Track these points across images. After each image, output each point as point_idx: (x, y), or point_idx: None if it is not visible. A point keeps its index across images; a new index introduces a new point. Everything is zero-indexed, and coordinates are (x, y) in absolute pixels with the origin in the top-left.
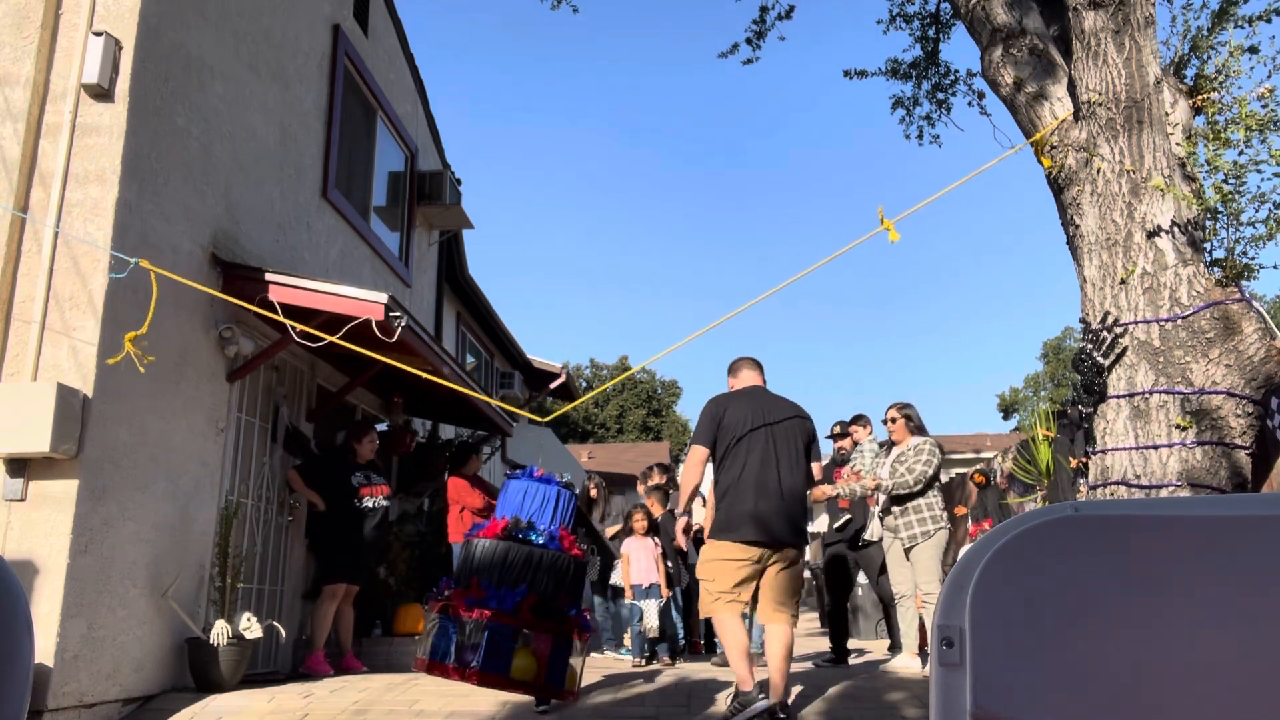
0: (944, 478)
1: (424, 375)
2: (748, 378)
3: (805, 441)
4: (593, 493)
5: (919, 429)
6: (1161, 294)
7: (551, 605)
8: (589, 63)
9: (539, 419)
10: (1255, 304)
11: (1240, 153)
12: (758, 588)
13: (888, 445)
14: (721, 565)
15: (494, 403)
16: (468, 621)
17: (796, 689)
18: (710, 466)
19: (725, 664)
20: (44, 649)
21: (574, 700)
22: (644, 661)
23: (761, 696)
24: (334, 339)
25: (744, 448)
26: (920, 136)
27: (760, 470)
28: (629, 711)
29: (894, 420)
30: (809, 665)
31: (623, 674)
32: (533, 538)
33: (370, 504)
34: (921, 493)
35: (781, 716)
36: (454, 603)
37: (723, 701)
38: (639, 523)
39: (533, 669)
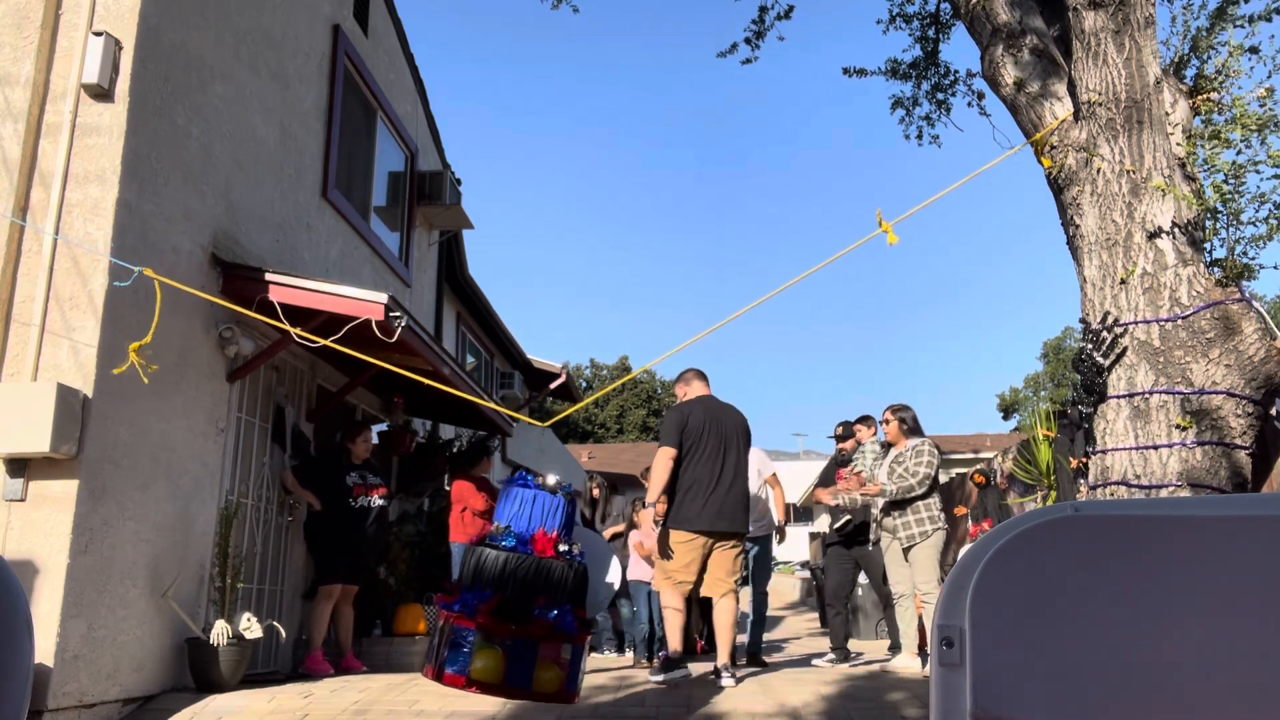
0: (944, 478)
1: (424, 381)
2: (699, 388)
3: (746, 442)
4: (594, 493)
5: (914, 430)
6: (1161, 294)
7: (517, 607)
8: (591, 67)
9: (538, 423)
10: (1255, 304)
11: (1239, 153)
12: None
13: (887, 446)
14: (677, 549)
15: (492, 406)
16: (442, 626)
17: (796, 688)
18: None
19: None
20: (44, 649)
21: (572, 701)
22: (645, 662)
23: (684, 666)
24: (329, 342)
25: (701, 450)
26: (920, 136)
27: (713, 470)
28: (629, 711)
29: (888, 422)
30: (809, 665)
31: (623, 674)
32: (504, 543)
33: (364, 504)
34: (924, 495)
35: (727, 675)
36: (437, 607)
37: (723, 703)
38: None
39: (496, 670)
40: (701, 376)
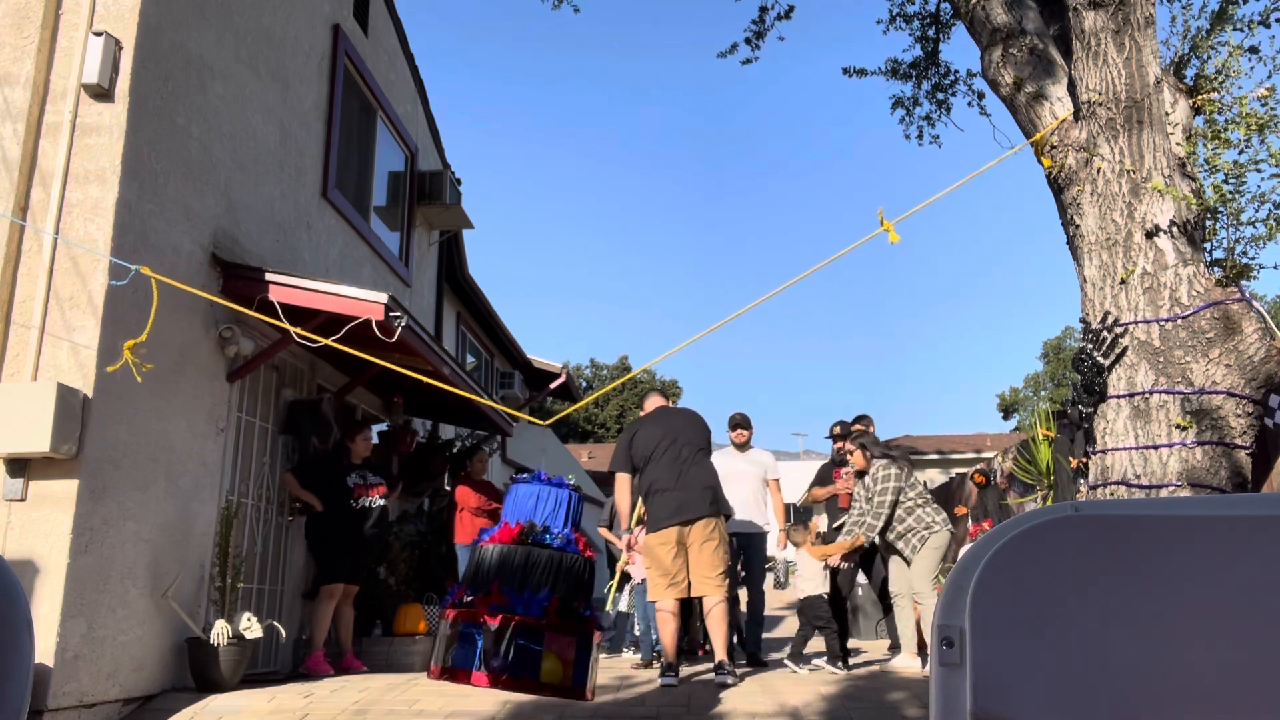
0: (944, 478)
1: (424, 380)
2: (651, 403)
3: (698, 433)
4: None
5: (875, 452)
6: (1161, 294)
7: (571, 607)
8: (592, 69)
9: (538, 421)
10: (1255, 304)
11: (1240, 152)
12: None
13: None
14: (656, 550)
15: (493, 405)
16: (493, 628)
17: (796, 688)
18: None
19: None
20: (44, 649)
21: (590, 698)
22: (646, 664)
23: (672, 673)
24: (330, 341)
25: (655, 457)
26: (920, 136)
27: (669, 471)
28: (629, 711)
29: (852, 453)
30: (809, 665)
31: (623, 674)
32: (550, 541)
33: (365, 504)
34: (898, 514)
35: (724, 673)
36: (477, 610)
37: (723, 703)
38: None
39: (559, 671)
40: (654, 393)
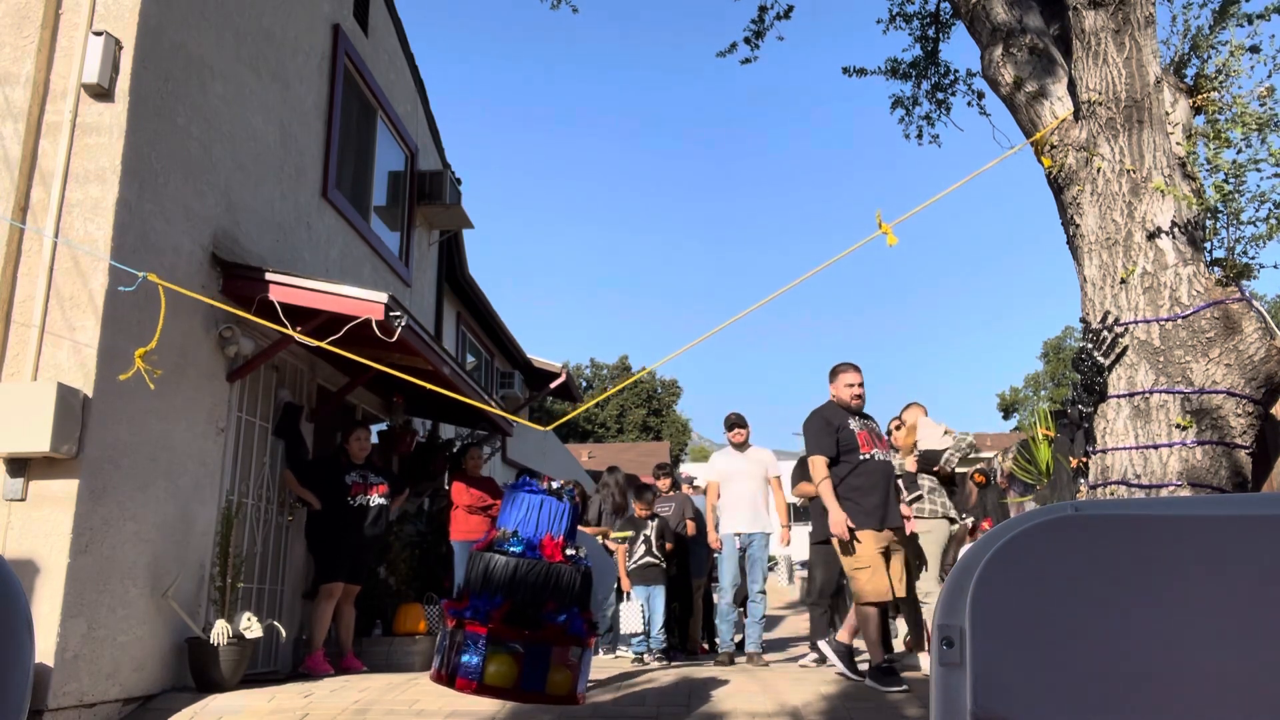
0: None
1: (425, 386)
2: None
3: (805, 448)
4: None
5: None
6: (1161, 293)
7: (529, 612)
8: (592, 63)
9: (539, 427)
10: (1255, 303)
11: (1239, 152)
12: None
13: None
14: None
15: (492, 410)
16: (452, 631)
17: (796, 687)
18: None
19: (726, 663)
20: (44, 649)
21: (579, 703)
22: (644, 662)
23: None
24: (326, 344)
25: None
26: (920, 136)
27: None
28: (629, 711)
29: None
30: (808, 665)
31: (624, 673)
32: (512, 548)
33: (361, 502)
34: (932, 483)
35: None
36: (444, 614)
37: (723, 702)
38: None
39: (509, 675)
40: (835, 375)
